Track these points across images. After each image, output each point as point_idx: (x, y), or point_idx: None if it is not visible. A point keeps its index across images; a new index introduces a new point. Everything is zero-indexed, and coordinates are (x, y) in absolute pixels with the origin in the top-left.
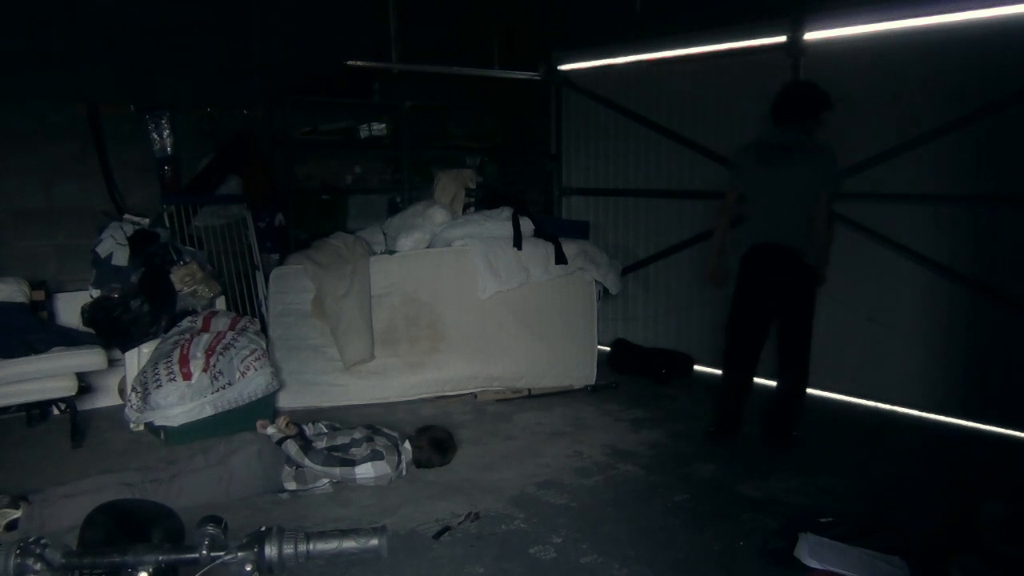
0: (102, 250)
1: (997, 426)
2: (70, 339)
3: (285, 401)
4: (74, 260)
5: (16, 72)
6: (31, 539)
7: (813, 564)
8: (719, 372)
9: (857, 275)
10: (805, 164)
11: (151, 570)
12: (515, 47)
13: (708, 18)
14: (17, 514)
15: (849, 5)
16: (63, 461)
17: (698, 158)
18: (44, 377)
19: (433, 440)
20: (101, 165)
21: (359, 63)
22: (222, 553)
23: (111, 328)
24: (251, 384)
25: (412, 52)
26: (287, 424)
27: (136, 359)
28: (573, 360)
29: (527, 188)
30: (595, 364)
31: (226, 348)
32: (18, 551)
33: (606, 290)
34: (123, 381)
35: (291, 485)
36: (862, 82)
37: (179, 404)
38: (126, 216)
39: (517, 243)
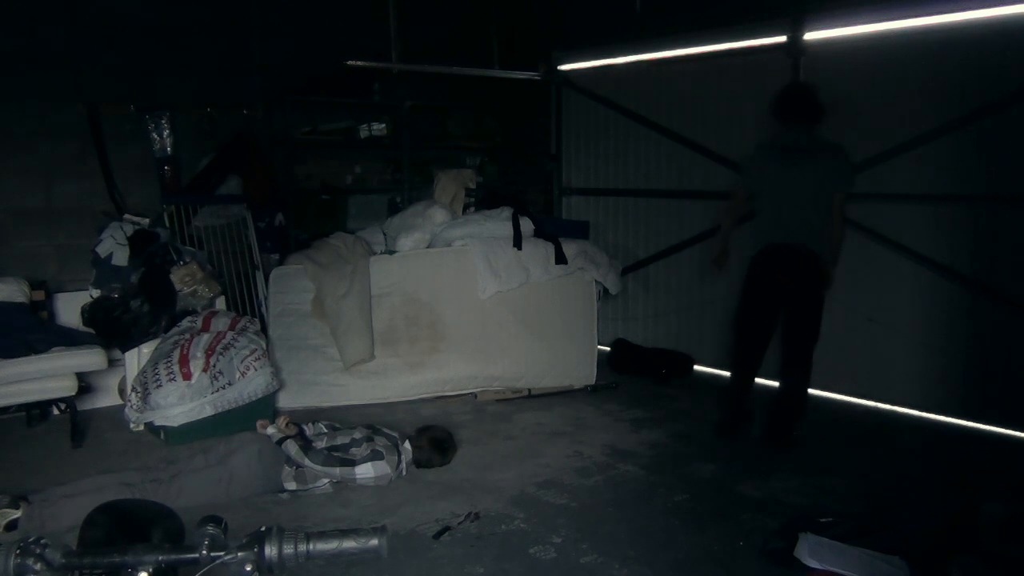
0: (102, 250)
1: (997, 426)
2: (70, 339)
3: (285, 401)
4: (74, 260)
5: (16, 72)
6: (31, 539)
7: (813, 564)
8: (720, 372)
9: (857, 275)
10: (819, 164)
11: (151, 570)
12: (515, 47)
13: (708, 18)
14: (17, 514)
15: (849, 5)
16: (63, 461)
17: (698, 158)
18: (44, 377)
19: (433, 440)
20: (101, 165)
21: (359, 63)
22: (222, 553)
23: (111, 328)
24: (251, 384)
25: (412, 52)
26: (287, 424)
27: (136, 359)
28: (573, 360)
29: (527, 188)
30: (595, 364)
31: (226, 348)
32: (18, 551)
33: (606, 290)
34: (123, 381)
35: (291, 485)
36: (862, 82)
37: (179, 404)
38: (126, 216)
39: (517, 243)
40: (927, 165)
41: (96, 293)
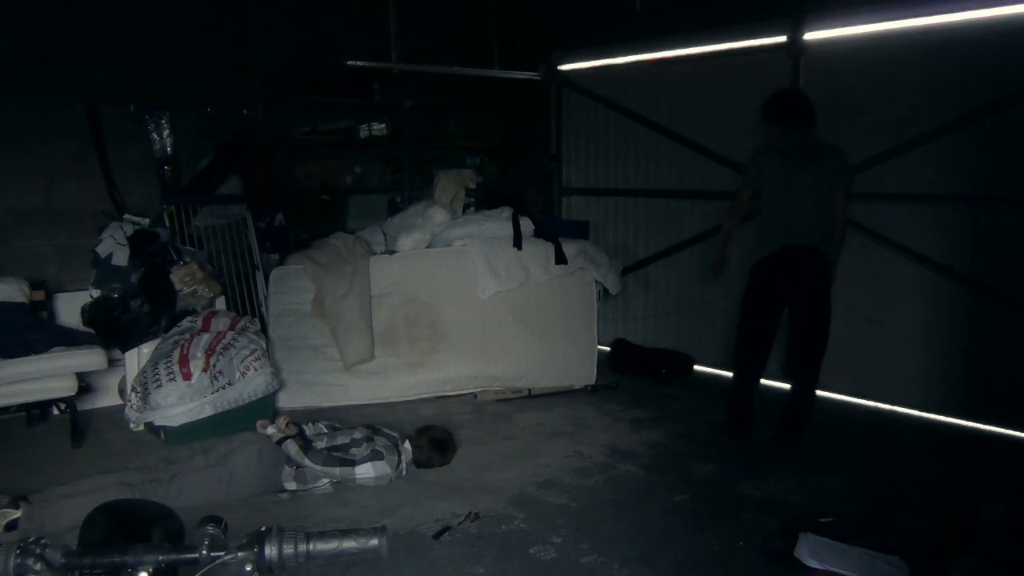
0: (102, 250)
1: (997, 426)
2: (70, 339)
3: (285, 401)
4: (74, 260)
5: (16, 72)
6: (31, 539)
7: (813, 564)
8: (720, 372)
9: (857, 275)
10: (820, 165)
11: (151, 570)
12: (515, 47)
13: (708, 18)
14: (17, 514)
15: (849, 5)
16: (63, 461)
17: (698, 158)
18: (44, 377)
19: (433, 440)
20: (101, 165)
21: (359, 63)
22: (222, 553)
23: (111, 328)
24: (251, 384)
25: (412, 52)
26: (287, 424)
27: (136, 359)
28: (573, 360)
29: (527, 188)
30: (595, 364)
31: (226, 348)
32: (18, 551)
33: (606, 290)
34: (123, 381)
35: (291, 485)
36: (862, 82)
37: (179, 404)
38: (126, 216)
39: (517, 243)
40: (927, 165)
41: (96, 293)
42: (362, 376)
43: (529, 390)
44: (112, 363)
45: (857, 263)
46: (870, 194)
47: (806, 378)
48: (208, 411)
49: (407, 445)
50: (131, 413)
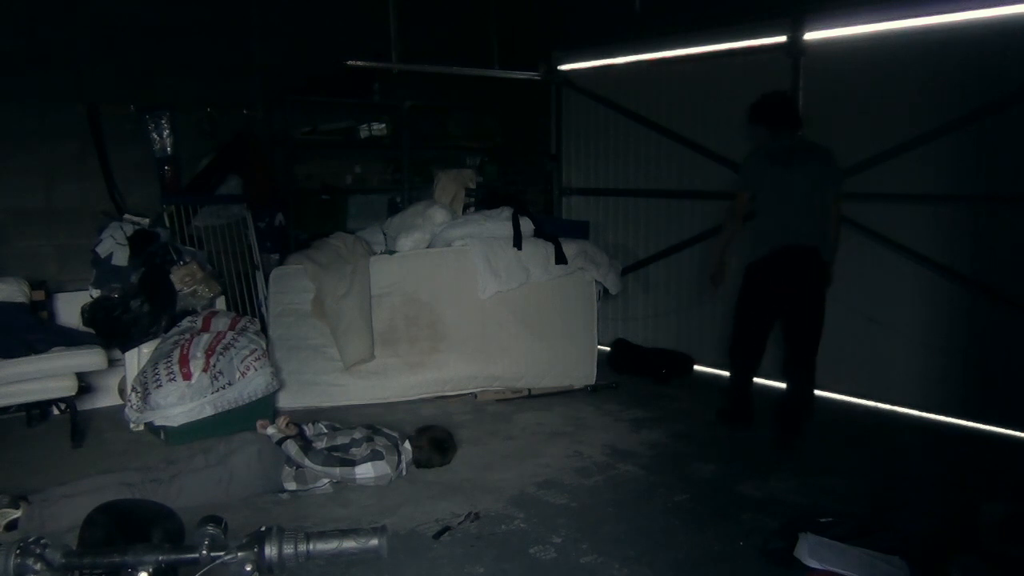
0: (102, 250)
1: (997, 426)
2: (70, 339)
3: (285, 401)
4: (74, 260)
5: (16, 72)
6: (31, 539)
7: (813, 564)
8: (720, 372)
9: (857, 275)
10: (814, 166)
11: (151, 570)
12: (515, 47)
13: (708, 18)
14: (17, 514)
15: (849, 5)
16: (63, 461)
17: (698, 158)
18: (44, 377)
19: (433, 440)
20: (101, 165)
21: (359, 63)
22: (222, 553)
23: (111, 328)
24: (251, 384)
25: (412, 52)
26: (287, 424)
27: (136, 359)
28: (573, 360)
29: (527, 188)
30: (595, 364)
31: (226, 348)
32: (18, 551)
33: (606, 290)
34: (123, 381)
35: (291, 485)
36: (862, 82)
37: (179, 404)
38: (126, 216)
39: (517, 243)
40: (927, 165)
41: (96, 293)
42: (362, 376)
43: (529, 390)
44: (112, 363)
45: (857, 263)
46: (870, 194)
47: (803, 377)
48: (208, 411)
49: (407, 445)
50: (131, 413)
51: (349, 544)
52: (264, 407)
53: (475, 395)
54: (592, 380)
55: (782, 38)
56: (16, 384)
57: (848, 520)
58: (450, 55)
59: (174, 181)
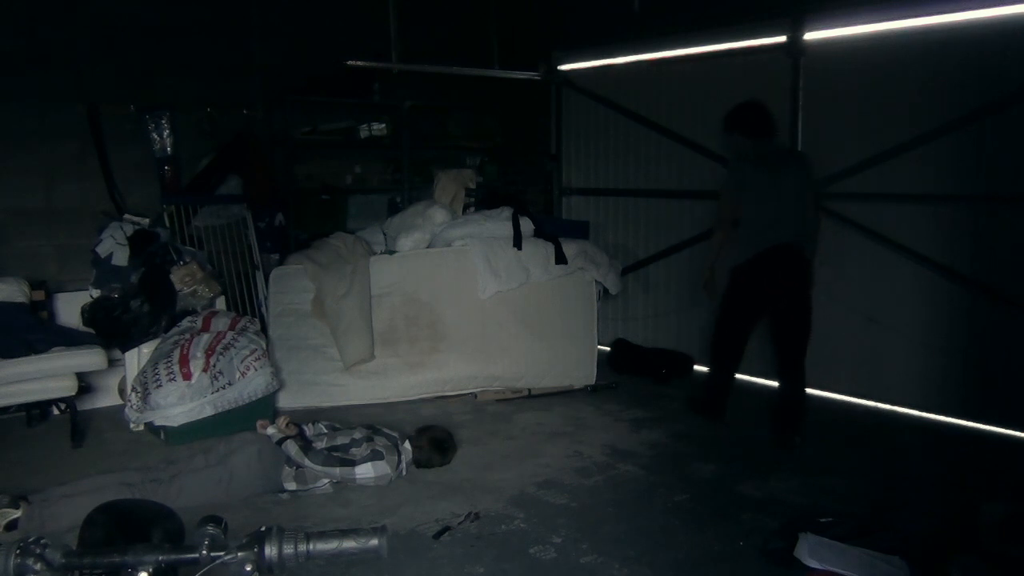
0: (102, 250)
1: (997, 426)
2: (70, 339)
3: (285, 401)
4: (74, 260)
5: (16, 72)
6: (31, 539)
7: (813, 564)
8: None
9: (857, 275)
10: (794, 169)
11: (151, 570)
12: (515, 47)
13: (708, 18)
14: (17, 514)
15: (849, 5)
16: (63, 461)
17: (698, 158)
18: (44, 377)
19: (433, 440)
20: (101, 165)
21: (359, 63)
22: (222, 553)
23: (111, 328)
24: (251, 384)
25: (412, 52)
26: (287, 424)
27: (136, 359)
28: (573, 360)
29: (527, 188)
30: (595, 364)
31: (226, 348)
32: (18, 551)
33: (606, 290)
34: (123, 381)
35: (291, 485)
36: (862, 82)
37: (179, 404)
38: (126, 216)
39: (517, 243)
40: (927, 165)
41: (96, 293)
42: (362, 376)
43: (529, 390)
44: (112, 363)
45: (857, 263)
46: (870, 194)
47: (796, 376)
48: (208, 411)
49: (407, 445)
50: (131, 413)
51: (349, 544)
52: (264, 407)
53: (475, 395)
54: (592, 380)
55: (782, 38)
56: (16, 384)
57: (848, 520)
58: (450, 55)
59: (174, 181)
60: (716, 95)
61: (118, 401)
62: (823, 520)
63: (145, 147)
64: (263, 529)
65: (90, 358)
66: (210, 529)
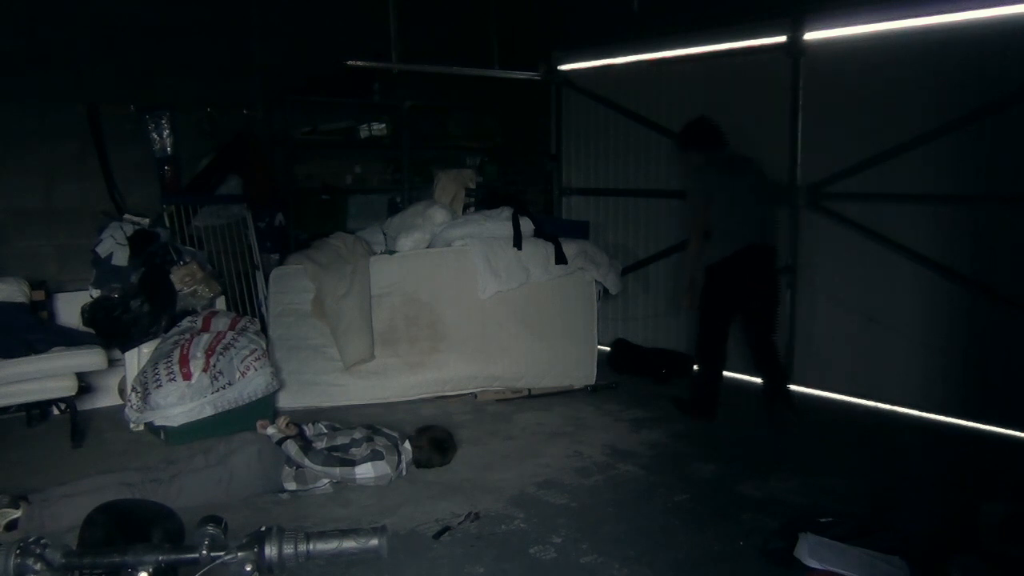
0: (102, 250)
1: (997, 426)
2: (70, 339)
3: (285, 401)
4: (74, 260)
5: (16, 72)
6: (31, 539)
7: (813, 564)
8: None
9: (857, 275)
10: (750, 172)
11: (151, 570)
12: (515, 47)
13: (708, 18)
14: (17, 514)
15: (849, 5)
16: (63, 461)
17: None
18: (44, 377)
19: (433, 440)
20: (101, 165)
21: (359, 63)
22: (222, 553)
23: (111, 328)
24: (251, 384)
25: (412, 52)
26: (287, 424)
27: (136, 359)
28: (573, 360)
29: (527, 188)
30: (595, 364)
31: (226, 348)
32: (18, 551)
33: (606, 290)
34: (123, 381)
35: (291, 485)
36: (862, 82)
37: (179, 404)
38: (126, 216)
39: (517, 243)
40: (927, 165)
41: (96, 293)
42: (362, 376)
43: (529, 390)
44: (112, 363)
45: (857, 263)
46: (870, 194)
47: (777, 362)
48: (208, 411)
49: (407, 445)
50: (131, 413)
51: (349, 544)
52: (264, 407)
53: (475, 395)
54: (592, 380)
55: (782, 38)
56: (16, 384)
57: (848, 520)
58: (450, 55)
59: (174, 181)
60: (716, 95)
61: (118, 401)
62: (823, 520)
63: (145, 147)
64: (263, 529)
65: (90, 358)
66: (210, 529)
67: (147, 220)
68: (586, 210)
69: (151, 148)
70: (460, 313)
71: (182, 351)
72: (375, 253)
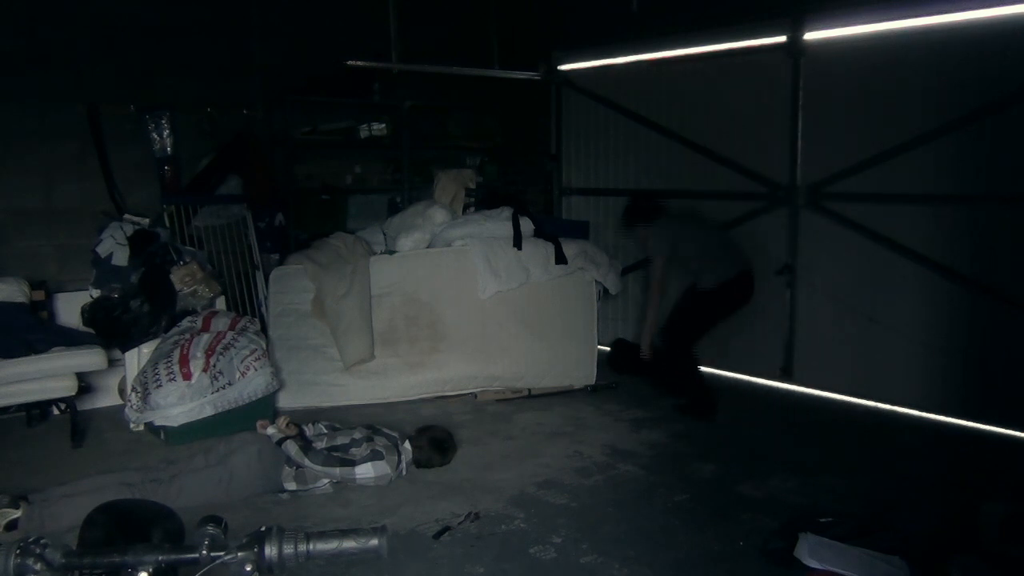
0: (102, 250)
1: (997, 426)
2: (70, 339)
3: (285, 401)
4: (74, 260)
5: (16, 72)
6: (31, 539)
7: (813, 564)
8: (718, 372)
9: (857, 275)
10: (699, 218)
11: (151, 570)
12: (515, 47)
13: (708, 18)
14: (17, 514)
15: (849, 5)
16: (63, 461)
17: (698, 158)
18: (44, 377)
19: (433, 440)
20: (101, 165)
21: (359, 63)
22: (222, 553)
23: (111, 328)
24: (251, 384)
25: (412, 52)
26: (287, 424)
27: (136, 359)
28: (573, 360)
29: (527, 188)
30: (595, 364)
31: (226, 348)
32: (18, 551)
33: (606, 290)
34: (123, 381)
35: (291, 485)
36: (862, 82)
37: (179, 404)
38: (126, 216)
39: (517, 243)
40: (927, 165)
41: (96, 293)
42: (362, 376)
43: (529, 390)
44: (112, 363)
45: (857, 263)
46: (870, 194)
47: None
48: (208, 411)
49: (407, 445)
50: (131, 413)
51: (349, 544)
52: (264, 407)
53: (475, 395)
54: (592, 380)
55: (782, 38)
56: (16, 384)
57: (848, 520)
58: (450, 55)
59: (174, 181)
60: (716, 95)
61: (118, 401)
62: (823, 520)
63: (145, 147)
64: (263, 529)
65: (90, 358)
66: (210, 529)
67: (147, 220)
68: (586, 210)
69: (151, 148)
70: (460, 313)
71: (182, 351)
72: (375, 253)
